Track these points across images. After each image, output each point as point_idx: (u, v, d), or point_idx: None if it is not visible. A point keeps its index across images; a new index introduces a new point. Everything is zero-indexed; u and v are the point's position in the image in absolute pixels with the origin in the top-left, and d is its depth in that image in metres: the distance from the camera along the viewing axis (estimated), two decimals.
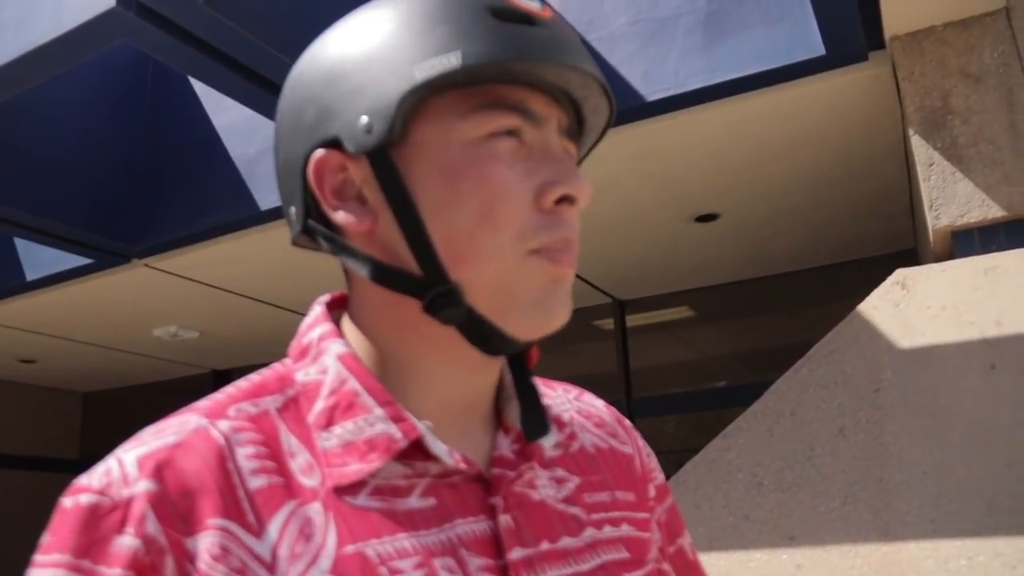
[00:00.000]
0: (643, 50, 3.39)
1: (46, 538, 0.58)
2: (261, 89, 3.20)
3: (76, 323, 5.79)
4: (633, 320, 5.94)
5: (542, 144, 0.65)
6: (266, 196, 4.15)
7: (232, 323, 5.90)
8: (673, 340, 6.24)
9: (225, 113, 4.33)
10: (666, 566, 0.81)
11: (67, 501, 0.59)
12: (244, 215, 4.22)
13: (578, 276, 5.24)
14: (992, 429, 2.17)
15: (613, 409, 0.87)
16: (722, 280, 5.56)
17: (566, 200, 0.64)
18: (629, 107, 3.35)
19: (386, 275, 0.65)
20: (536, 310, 0.64)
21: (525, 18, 0.63)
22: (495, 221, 0.62)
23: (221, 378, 7.12)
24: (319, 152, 0.65)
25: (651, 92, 3.33)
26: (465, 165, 0.63)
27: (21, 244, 4.99)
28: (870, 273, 3.41)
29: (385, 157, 0.63)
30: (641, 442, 0.87)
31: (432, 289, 0.63)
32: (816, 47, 3.07)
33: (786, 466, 2.43)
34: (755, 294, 5.58)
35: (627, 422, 0.87)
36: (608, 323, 5.95)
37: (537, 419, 0.68)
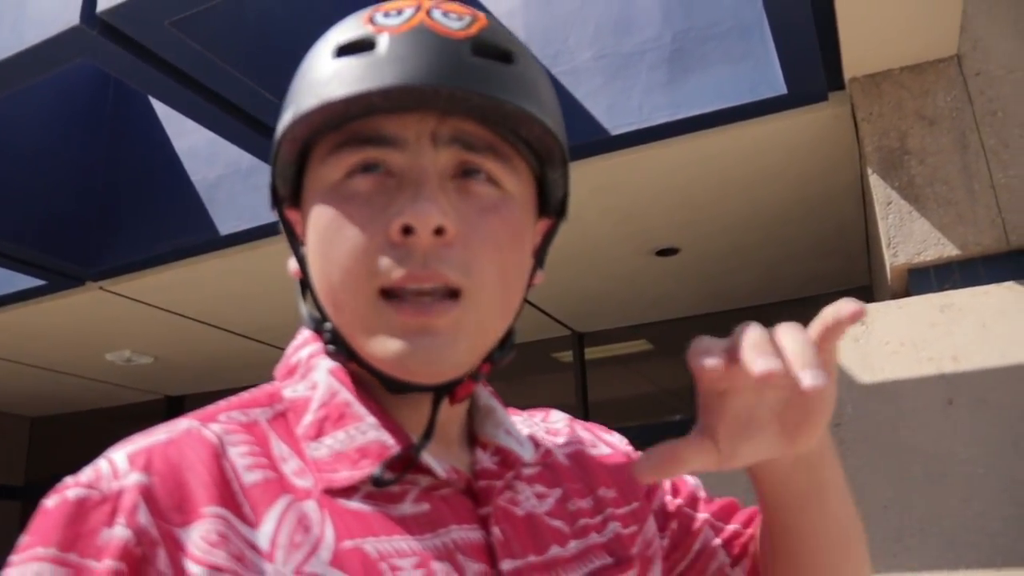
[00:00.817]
0: (608, 84, 3.43)
1: (24, 538, 0.55)
2: (224, 113, 3.18)
3: (26, 346, 5.66)
4: (592, 353, 5.95)
5: (409, 169, 0.62)
6: (226, 221, 4.10)
7: (187, 349, 5.80)
8: (631, 373, 6.26)
9: (187, 136, 4.29)
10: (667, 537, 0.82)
11: (50, 501, 0.56)
12: (203, 239, 4.16)
13: (537, 308, 5.26)
14: (950, 464, 2.20)
15: (578, 420, 0.88)
16: (681, 314, 5.60)
17: (409, 231, 0.59)
18: (593, 140, 3.38)
19: (311, 318, 0.68)
20: (393, 359, 0.61)
21: (367, 44, 0.61)
22: (346, 265, 0.61)
23: (175, 404, 7.00)
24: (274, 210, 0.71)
25: (615, 126, 3.36)
26: (323, 211, 0.63)
27: None
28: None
29: (281, 214, 0.69)
30: (616, 437, 0.88)
31: (322, 331, 0.66)
32: (778, 86, 3.12)
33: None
34: (713, 329, 5.56)
35: (595, 426, 0.88)
36: (567, 355, 5.95)
37: (419, 448, 0.64)
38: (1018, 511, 2.08)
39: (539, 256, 0.72)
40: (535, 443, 0.78)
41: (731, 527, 0.86)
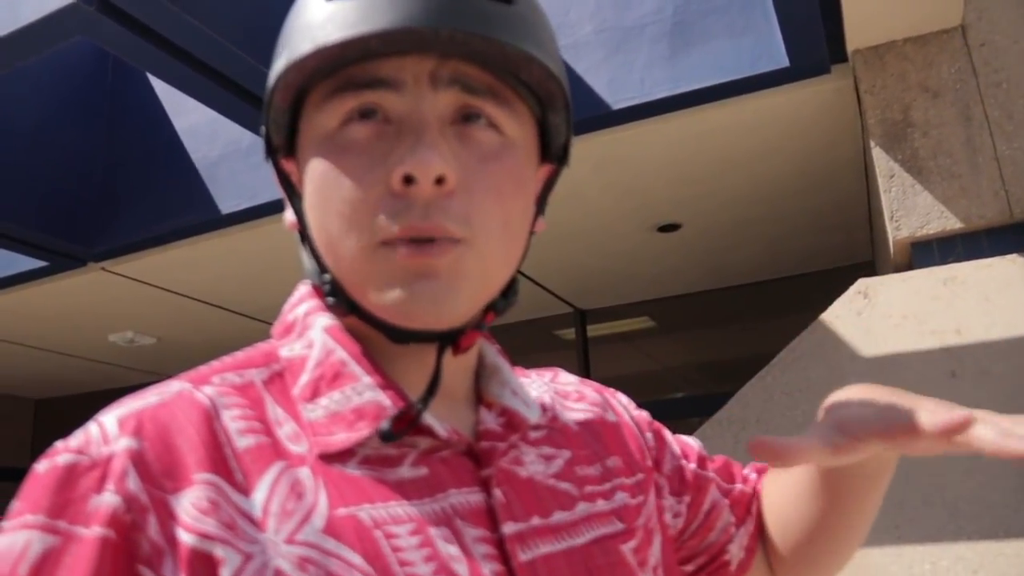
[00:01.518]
0: (609, 58, 3.41)
1: (15, 504, 0.54)
2: (225, 90, 3.16)
3: (29, 328, 5.67)
4: (594, 330, 5.96)
5: (408, 113, 0.60)
6: (227, 200, 4.10)
7: (190, 329, 5.81)
8: (633, 350, 6.27)
9: (187, 115, 4.28)
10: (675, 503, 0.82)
11: (40, 465, 0.55)
12: (204, 219, 4.16)
13: (539, 285, 5.26)
14: None
15: (589, 381, 0.87)
16: (683, 291, 5.60)
17: (410, 180, 0.58)
18: (594, 115, 3.37)
19: (307, 268, 0.67)
20: (396, 304, 0.59)
21: None
22: (343, 216, 0.60)
23: None
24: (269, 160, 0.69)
25: (616, 101, 3.35)
26: (321, 161, 0.62)
27: None
28: (828, 285, 3.46)
29: (275, 164, 0.68)
30: (624, 399, 0.87)
31: (321, 283, 0.65)
32: (780, 59, 3.10)
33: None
34: (715, 305, 5.63)
35: (606, 390, 0.87)
36: (569, 333, 5.96)
37: (425, 403, 0.63)
38: (1020, 482, 2.08)
39: (540, 203, 0.70)
40: (543, 405, 0.76)
41: (734, 487, 0.87)
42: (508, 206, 0.63)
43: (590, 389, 0.85)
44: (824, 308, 2.60)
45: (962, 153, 2.68)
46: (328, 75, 0.61)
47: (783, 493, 0.84)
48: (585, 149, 3.54)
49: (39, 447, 7.91)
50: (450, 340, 0.64)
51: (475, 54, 0.60)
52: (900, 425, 0.61)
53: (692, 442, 0.88)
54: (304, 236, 0.66)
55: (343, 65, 0.60)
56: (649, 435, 0.83)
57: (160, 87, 4.34)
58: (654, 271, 5.21)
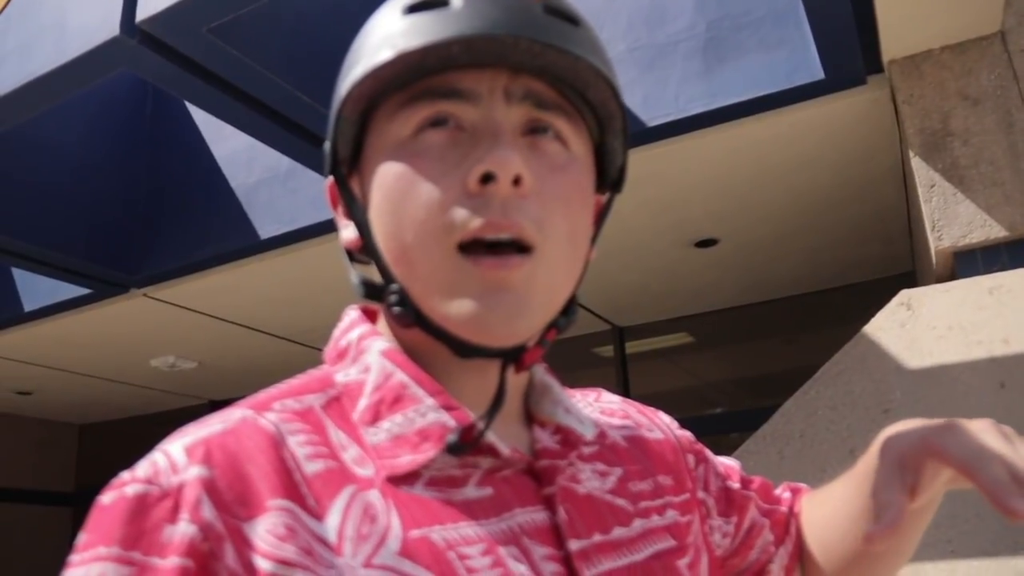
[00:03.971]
0: (643, 76, 3.41)
1: (83, 537, 0.53)
2: (263, 117, 3.21)
3: (73, 354, 5.76)
4: (632, 347, 5.93)
5: (483, 123, 0.61)
6: (265, 225, 4.15)
7: (231, 353, 5.87)
8: (672, 367, 6.23)
9: (225, 142, 4.34)
10: (717, 530, 0.82)
11: (106, 497, 0.54)
12: (243, 244, 4.21)
13: (577, 303, 5.24)
14: None
15: (631, 401, 0.87)
16: (721, 306, 5.56)
17: (489, 179, 0.59)
18: (630, 133, 3.36)
19: (364, 285, 0.66)
20: (471, 316, 0.59)
21: (436, 2, 0.60)
22: (420, 220, 0.60)
23: (219, 409, 7.06)
24: (330, 177, 0.69)
25: (651, 118, 3.35)
26: (393, 168, 0.62)
27: (19, 274, 4.98)
28: (869, 297, 3.42)
29: (339, 176, 0.67)
30: (667, 419, 0.87)
31: (387, 294, 0.64)
32: (815, 71, 3.09)
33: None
34: (754, 319, 5.59)
35: (648, 409, 0.87)
36: (607, 350, 5.94)
37: (489, 419, 0.63)
38: None
39: (594, 234, 0.71)
40: (592, 422, 0.76)
41: (775, 507, 0.87)
42: (574, 218, 0.64)
43: (633, 409, 0.85)
44: (865, 320, 2.57)
45: (1004, 160, 2.65)
46: (402, 86, 0.62)
47: (827, 515, 0.84)
48: None
49: (83, 472, 8.02)
50: (514, 357, 0.64)
51: (547, 67, 0.62)
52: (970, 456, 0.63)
53: (732, 462, 0.89)
54: (368, 250, 0.65)
55: (418, 76, 0.61)
56: (691, 457, 0.83)
57: (199, 115, 4.41)
58: (692, 287, 5.18)
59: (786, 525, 0.87)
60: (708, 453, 0.87)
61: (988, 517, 2.10)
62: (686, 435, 0.86)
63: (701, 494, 0.81)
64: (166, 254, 4.46)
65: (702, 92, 3.29)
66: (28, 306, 4.97)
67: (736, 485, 0.85)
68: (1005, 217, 2.59)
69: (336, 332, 0.71)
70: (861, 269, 4.97)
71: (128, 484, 0.54)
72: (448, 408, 0.62)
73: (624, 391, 5.76)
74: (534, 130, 0.63)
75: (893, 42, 2.83)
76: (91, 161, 4.39)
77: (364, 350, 0.67)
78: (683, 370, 6.22)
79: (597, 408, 0.82)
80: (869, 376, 2.46)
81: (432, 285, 0.61)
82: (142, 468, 0.55)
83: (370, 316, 0.72)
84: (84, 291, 4.69)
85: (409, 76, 0.62)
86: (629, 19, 3.51)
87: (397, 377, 0.64)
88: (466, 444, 0.61)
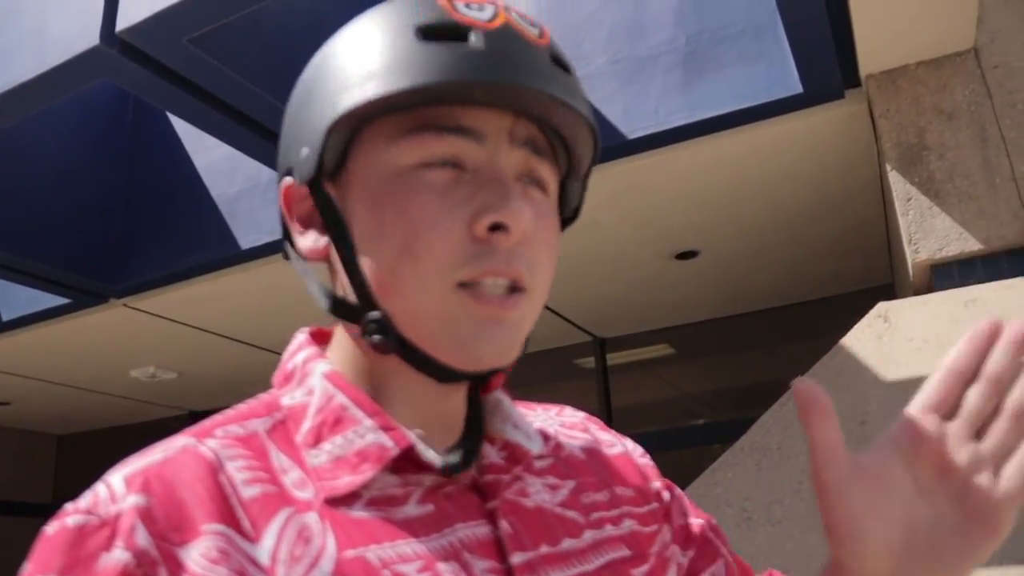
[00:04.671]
0: (623, 88, 3.43)
1: (26, 567, 0.55)
2: (243, 127, 3.21)
3: (52, 364, 5.72)
4: (614, 358, 5.94)
5: (487, 164, 0.62)
6: (246, 235, 4.14)
7: (211, 364, 5.84)
8: (653, 378, 6.24)
9: (206, 152, 4.33)
10: (676, 552, 0.80)
11: (51, 527, 0.56)
12: (224, 255, 4.20)
13: (558, 314, 5.26)
14: None
15: (595, 418, 0.88)
16: (702, 317, 5.58)
17: (498, 229, 0.60)
18: (610, 145, 3.39)
19: (333, 301, 0.66)
20: (464, 347, 0.61)
21: (456, 33, 0.60)
22: (417, 254, 0.60)
23: (200, 420, 7.00)
24: (287, 180, 0.68)
25: (631, 130, 3.37)
26: (391, 195, 0.62)
27: None
28: (848, 309, 3.44)
29: (320, 188, 0.65)
30: (631, 444, 0.87)
31: (364, 317, 0.64)
32: (793, 85, 3.12)
33: (775, 500, 2.43)
34: (734, 331, 5.61)
35: (612, 430, 0.87)
36: (589, 361, 5.95)
37: (472, 446, 0.66)
38: None
39: None
40: (547, 436, 0.77)
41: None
42: (553, 259, 0.66)
43: (596, 426, 0.86)
44: (844, 332, 2.59)
45: (979, 174, 2.68)
46: (404, 109, 0.62)
47: None
48: (601, 178, 3.56)
49: (62, 482, 7.95)
50: (483, 380, 0.67)
51: (548, 117, 0.64)
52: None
53: (699, 514, 0.86)
54: (349, 266, 0.65)
55: (424, 104, 0.62)
56: (657, 483, 0.82)
57: (180, 125, 4.40)
58: (673, 298, 5.20)
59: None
60: (676, 489, 0.86)
61: None
62: (651, 464, 0.85)
63: (677, 518, 0.81)
64: (146, 264, 4.44)
65: (682, 105, 3.32)
66: (7, 316, 4.94)
67: (698, 524, 0.83)
68: (980, 231, 2.62)
69: (284, 355, 0.71)
70: (841, 282, 5.00)
71: (70, 515, 0.56)
72: (386, 428, 0.63)
73: (605, 402, 5.76)
74: (528, 177, 0.65)
75: (870, 57, 2.86)
76: (71, 170, 4.37)
77: (308, 373, 0.67)
78: (664, 382, 6.23)
79: (558, 422, 0.82)
80: (846, 388, 2.47)
81: (426, 317, 0.62)
82: (84, 499, 0.57)
83: (319, 338, 0.72)
84: (63, 301, 4.66)
85: (414, 103, 0.62)
86: (610, 32, 3.53)
87: (338, 399, 0.65)
88: (408, 467, 0.62)
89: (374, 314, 0.64)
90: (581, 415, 0.86)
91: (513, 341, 0.63)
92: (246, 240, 4.13)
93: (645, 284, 4.92)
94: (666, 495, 0.82)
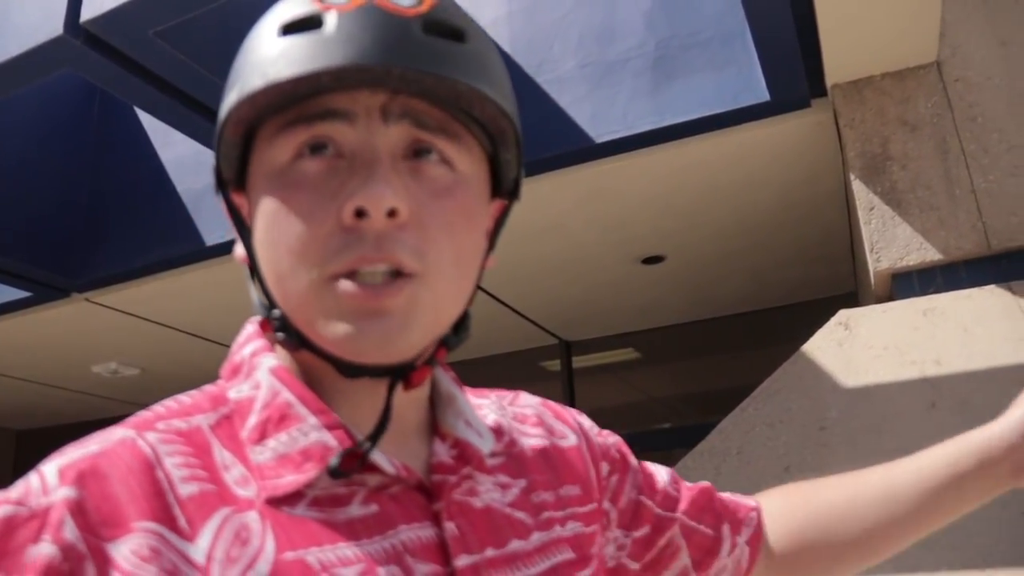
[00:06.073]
0: (592, 92, 3.44)
1: None
2: (210, 123, 3.18)
3: (11, 359, 5.63)
4: (579, 361, 5.96)
5: (361, 145, 0.60)
6: (212, 232, 4.10)
7: (174, 360, 5.78)
8: (619, 382, 6.27)
9: (173, 147, 4.29)
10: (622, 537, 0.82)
11: None
12: (189, 250, 4.16)
13: (524, 316, 5.26)
14: None
15: (550, 404, 0.86)
16: (668, 322, 5.61)
17: (362, 214, 0.58)
18: (578, 149, 3.40)
19: (262, 304, 0.66)
20: (346, 342, 0.59)
21: (310, 23, 0.59)
22: (293, 252, 0.60)
23: None
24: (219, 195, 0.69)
25: (600, 134, 3.38)
26: (272, 194, 0.61)
27: None
28: (812, 316, 3.47)
29: (226, 196, 0.67)
30: (587, 424, 0.86)
31: (271, 319, 0.64)
32: (761, 93, 3.14)
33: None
34: (699, 337, 5.64)
35: (567, 412, 0.86)
36: (554, 364, 5.96)
37: (375, 439, 0.63)
38: (998, 512, 2.09)
39: (492, 239, 0.71)
40: (500, 431, 0.76)
41: (698, 527, 0.87)
42: (460, 241, 0.63)
43: (550, 413, 0.84)
44: (808, 339, 2.61)
45: (940, 186, 2.71)
46: (279, 110, 0.61)
47: (852, 497, 0.88)
48: (569, 182, 3.57)
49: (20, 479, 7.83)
50: (401, 375, 0.64)
51: (425, 91, 0.60)
52: None
53: (662, 475, 0.88)
54: (254, 271, 0.65)
55: (295, 100, 0.60)
56: (605, 465, 0.82)
57: (146, 119, 4.36)
58: (639, 303, 5.22)
59: (710, 550, 0.87)
60: (631, 461, 0.86)
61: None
62: (606, 442, 0.85)
63: (606, 504, 0.81)
64: (110, 258, 4.39)
65: (650, 110, 3.33)
66: None
67: (651, 503, 0.84)
68: (940, 241, 2.65)
69: (233, 346, 0.71)
70: (806, 289, 5.05)
71: (1, 505, 0.55)
72: (331, 427, 0.62)
73: (570, 405, 5.71)
74: (417, 152, 0.62)
75: (836, 67, 2.89)
76: (34, 162, 4.31)
77: (255, 367, 0.66)
78: (630, 385, 6.26)
79: (510, 413, 0.81)
80: (806, 394, 2.50)
81: (308, 311, 0.61)
82: (16, 489, 0.56)
83: (269, 329, 0.71)
84: (24, 295, 4.59)
85: (284, 101, 0.60)
86: (580, 36, 3.54)
87: (283, 396, 0.64)
88: (349, 469, 0.61)
89: (276, 312, 0.64)
90: (535, 402, 0.85)
91: (401, 331, 0.60)
92: (211, 237, 4.10)
93: (611, 288, 4.94)
94: (614, 479, 0.83)
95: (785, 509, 0.92)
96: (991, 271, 2.61)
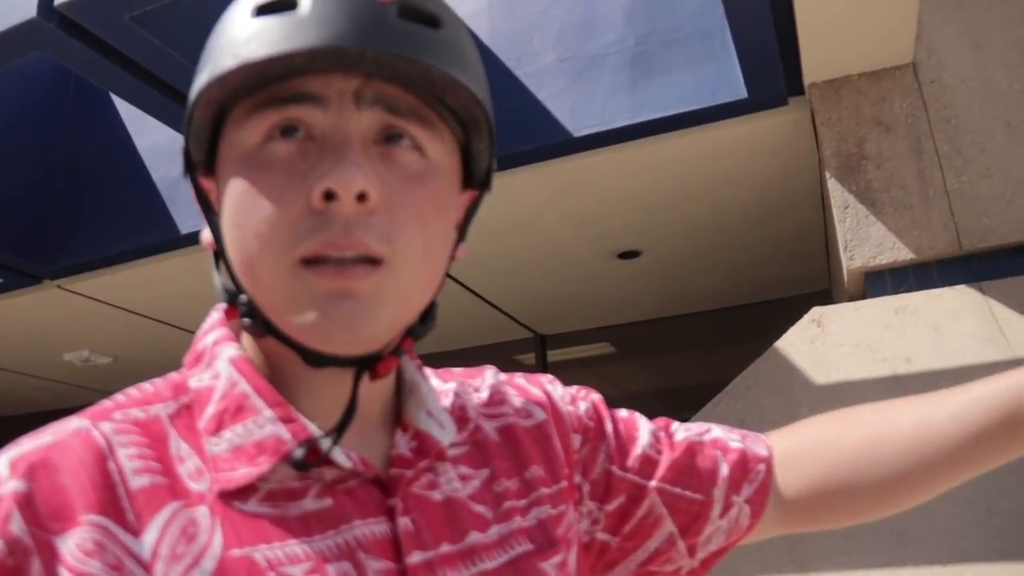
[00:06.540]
0: (571, 86, 3.45)
1: None
2: (184, 109, 3.15)
3: None
4: (554, 355, 5.97)
5: (332, 129, 0.59)
6: (187, 220, 4.07)
7: (147, 349, 5.74)
8: (593, 376, 6.29)
9: (148, 134, 4.25)
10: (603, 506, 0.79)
11: None
12: (163, 238, 4.13)
13: (499, 309, 5.26)
14: None
15: (516, 381, 0.83)
16: (643, 317, 5.64)
17: (331, 197, 0.57)
18: (555, 142, 3.40)
19: (226, 290, 0.65)
20: (313, 327, 0.58)
21: (284, 4, 0.58)
22: (264, 235, 0.59)
23: None
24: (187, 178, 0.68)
25: (578, 128, 3.38)
26: (241, 176, 0.60)
27: None
28: (787, 313, 3.50)
29: (194, 180, 0.66)
30: (559, 392, 0.83)
31: (238, 304, 0.64)
32: (738, 90, 3.16)
33: None
34: (674, 332, 5.67)
35: (536, 384, 0.83)
36: (529, 357, 5.97)
37: (339, 432, 0.62)
38: (965, 509, 2.12)
39: (462, 229, 0.70)
40: (465, 418, 0.75)
41: (682, 493, 0.81)
42: (430, 229, 0.62)
43: (514, 391, 0.81)
44: (781, 336, 2.63)
45: (914, 185, 2.74)
46: (251, 92, 0.60)
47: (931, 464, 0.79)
48: (546, 175, 3.57)
49: None
50: (367, 365, 0.63)
51: (398, 75, 0.60)
52: None
53: (644, 435, 0.83)
54: (221, 255, 0.65)
55: (267, 82, 0.60)
56: (577, 438, 0.80)
57: (121, 105, 4.31)
58: (614, 297, 5.24)
59: (697, 514, 0.80)
60: (606, 429, 0.82)
61: (882, 530, 2.17)
62: (577, 411, 0.81)
63: (577, 478, 0.78)
64: (82, 246, 4.35)
65: (629, 105, 3.34)
66: None
67: (627, 473, 0.80)
68: (912, 240, 2.68)
69: (198, 333, 0.70)
70: (781, 286, 5.08)
71: None
72: (286, 420, 0.61)
73: None
74: (389, 138, 0.61)
75: (813, 66, 2.91)
76: (6, 147, 4.25)
77: (216, 356, 0.66)
78: (604, 380, 6.28)
79: (476, 399, 0.78)
80: (777, 391, 2.51)
81: (276, 297, 0.60)
82: None
83: (233, 316, 0.70)
84: None
85: (256, 82, 0.60)
86: (560, 30, 3.54)
87: (240, 387, 0.63)
88: (311, 461, 0.60)
89: (242, 297, 0.63)
90: (501, 380, 0.82)
91: (369, 317, 0.59)
92: (186, 225, 4.07)
93: (587, 282, 4.95)
94: (585, 450, 0.79)
95: (807, 454, 0.83)
96: (962, 271, 2.63)
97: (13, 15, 2.66)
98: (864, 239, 2.74)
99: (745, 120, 3.26)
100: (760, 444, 0.85)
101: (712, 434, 0.85)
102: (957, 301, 2.44)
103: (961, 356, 2.34)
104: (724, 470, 0.82)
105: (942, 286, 2.53)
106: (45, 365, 6.09)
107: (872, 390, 2.38)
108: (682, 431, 0.85)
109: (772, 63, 2.94)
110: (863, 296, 2.82)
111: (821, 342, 2.54)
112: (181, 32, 2.88)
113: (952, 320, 2.40)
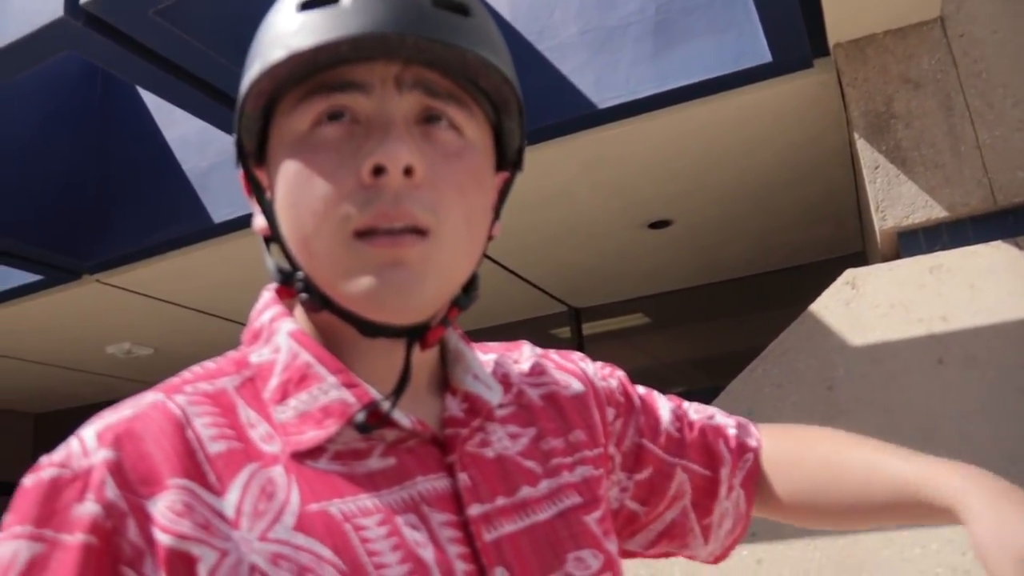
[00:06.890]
0: (594, 59, 3.43)
1: (6, 517, 0.58)
2: (213, 101, 3.18)
3: (26, 342, 5.68)
4: (589, 328, 5.98)
5: (376, 113, 0.64)
6: (219, 209, 4.12)
7: (187, 339, 5.82)
8: (629, 347, 6.29)
9: (177, 126, 4.29)
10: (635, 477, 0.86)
11: (27, 480, 0.60)
12: (197, 228, 4.18)
13: (533, 284, 5.28)
14: (940, 420, 2.23)
15: (551, 355, 0.89)
16: (675, 286, 5.62)
17: (381, 171, 0.62)
18: (581, 115, 3.39)
19: (276, 270, 0.70)
20: (368, 296, 0.63)
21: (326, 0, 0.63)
22: (316, 213, 0.63)
23: None
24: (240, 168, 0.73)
25: (602, 100, 3.37)
26: (293, 162, 0.65)
27: None
28: (820, 276, 3.48)
29: (246, 168, 0.71)
30: (592, 368, 0.89)
31: (294, 281, 0.68)
32: (763, 54, 3.13)
33: None
34: (708, 300, 5.65)
35: (570, 359, 0.89)
36: (564, 331, 5.98)
37: (397, 395, 0.66)
38: (1006, 465, 2.11)
39: (497, 209, 0.74)
40: (509, 383, 0.80)
41: (704, 472, 0.89)
42: (471, 202, 0.67)
43: (551, 364, 0.87)
44: (815, 299, 2.62)
45: (944, 143, 2.71)
46: (299, 81, 0.65)
47: (832, 477, 0.85)
48: (573, 148, 3.57)
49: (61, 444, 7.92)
50: (417, 335, 0.68)
51: (437, 60, 0.64)
52: None
53: (664, 412, 0.91)
54: (275, 238, 0.69)
55: (314, 71, 0.64)
56: (611, 411, 0.86)
57: (150, 99, 4.36)
58: (646, 268, 5.23)
59: (708, 490, 0.89)
60: (635, 403, 0.89)
61: None
62: (609, 386, 0.88)
63: (611, 449, 0.84)
64: (119, 239, 4.41)
65: (652, 75, 3.32)
66: None
67: (655, 447, 0.87)
68: (945, 198, 2.65)
69: (252, 313, 0.74)
70: (813, 249, 5.05)
71: (45, 468, 0.59)
72: (349, 385, 0.66)
73: None
74: (429, 119, 0.66)
75: (838, 26, 2.87)
76: (39, 145, 4.31)
77: (275, 331, 0.70)
78: (640, 351, 6.28)
79: (517, 370, 0.84)
80: (813, 354, 2.51)
81: (332, 269, 0.64)
82: (58, 453, 0.60)
83: (285, 295, 0.75)
84: (35, 278, 4.62)
85: (304, 72, 0.64)
86: (580, 2, 3.52)
87: (303, 357, 0.68)
88: (372, 423, 0.64)
89: (299, 274, 0.67)
90: (538, 353, 0.88)
91: (418, 284, 0.63)
92: (219, 214, 4.11)
93: (619, 254, 4.95)
94: (618, 423, 0.86)
95: (781, 464, 0.90)
96: (997, 227, 2.61)
97: (40, 16, 2.70)
98: (896, 199, 2.72)
99: (770, 84, 3.23)
100: (751, 436, 0.93)
101: (716, 419, 0.94)
102: (993, 257, 2.42)
103: (998, 313, 2.32)
104: (726, 454, 0.90)
105: (977, 243, 2.51)
106: (89, 359, 6.21)
107: (909, 350, 2.37)
108: (693, 412, 0.94)
109: (795, 25, 2.91)
110: (896, 256, 2.80)
111: (856, 304, 2.53)
112: (205, 24, 2.91)
113: (988, 277, 2.38)
